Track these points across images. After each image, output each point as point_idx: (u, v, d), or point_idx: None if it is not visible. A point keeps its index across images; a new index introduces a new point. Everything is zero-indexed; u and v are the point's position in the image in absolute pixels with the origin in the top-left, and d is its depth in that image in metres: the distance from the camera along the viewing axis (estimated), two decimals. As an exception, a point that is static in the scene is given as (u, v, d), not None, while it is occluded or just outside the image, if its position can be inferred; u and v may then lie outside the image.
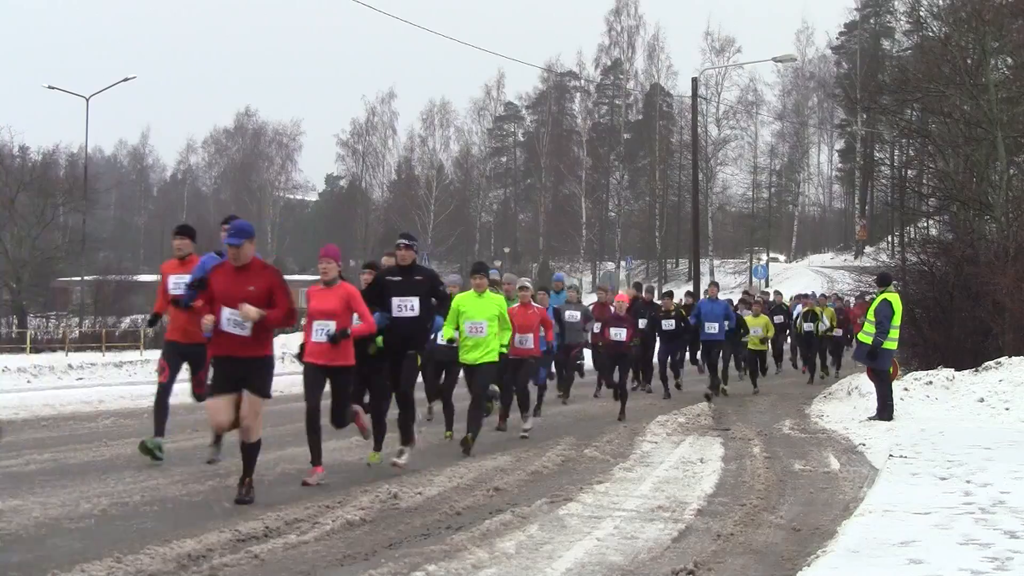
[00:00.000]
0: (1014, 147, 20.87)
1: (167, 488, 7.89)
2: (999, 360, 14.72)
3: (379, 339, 8.83)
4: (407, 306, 8.98)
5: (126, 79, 46.52)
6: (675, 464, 9.65)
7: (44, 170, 50.27)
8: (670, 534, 6.66)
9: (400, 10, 37.57)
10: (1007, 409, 13.29)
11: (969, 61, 21.11)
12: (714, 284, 18.96)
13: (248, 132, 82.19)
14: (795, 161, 76.50)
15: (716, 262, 68.52)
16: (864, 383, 15.67)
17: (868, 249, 64.50)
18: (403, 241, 9.24)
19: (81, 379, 19.56)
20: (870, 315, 13.84)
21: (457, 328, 10.30)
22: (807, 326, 21.11)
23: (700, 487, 8.39)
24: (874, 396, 13.88)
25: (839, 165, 78.41)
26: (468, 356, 10.28)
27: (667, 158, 72.59)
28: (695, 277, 33.14)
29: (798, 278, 61.53)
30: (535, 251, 74.99)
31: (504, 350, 10.47)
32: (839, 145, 77.88)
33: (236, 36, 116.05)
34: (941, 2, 23.95)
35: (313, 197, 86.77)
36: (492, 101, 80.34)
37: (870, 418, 13.34)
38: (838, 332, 22.19)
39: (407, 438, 9.04)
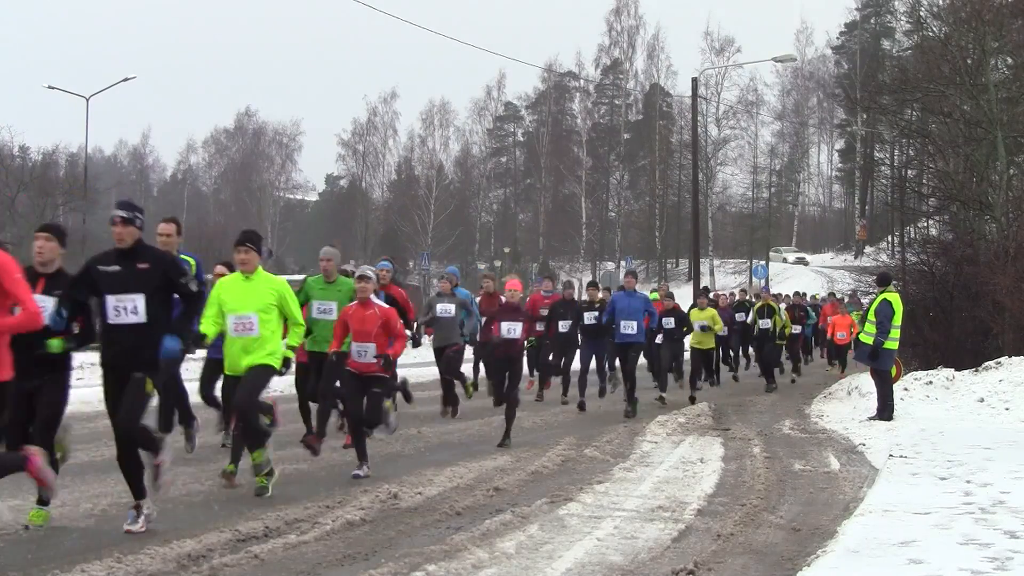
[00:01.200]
0: (1014, 147, 20.85)
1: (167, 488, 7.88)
2: (999, 360, 14.73)
3: (55, 341, 6.38)
4: (128, 307, 6.29)
5: (126, 79, 46.48)
6: (675, 464, 9.66)
7: (44, 170, 50.24)
8: (670, 534, 6.66)
9: (400, 10, 37.53)
10: (1007, 409, 13.29)
11: (969, 61, 21.09)
12: (631, 274, 15.22)
13: (248, 132, 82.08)
14: (795, 161, 76.46)
15: (716, 262, 68.50)
16: (864, 383, 15.68)
17: (868, 249, 64.38)
18: (120, 213, 6.42)
19: (81, 379, 19.41)
20: (871, 315, 13.85)
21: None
22: (762, 323, 19.08)
23: (700, 487, 8.39)
24: (874, 396, 13.89)
25: (839, 165, 78.36)
26: (239, 363, 7.63)
27: (667, 158, 72.53)
28: (695, 277, 33.13)
29: (798, 278, 61.51)
30: (535, 251, 74.94)
31: (290, 354, 7.79)
32: (839, 145, 77.83)
33: (236, 36, 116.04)
34: (941, 2, 23.93)
35: (313, 197, 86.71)
36: (492, 101, 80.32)
37: (870, 418, 13.34)
38: (796, 329, 21.08)
39: (138, 491, 6.46)
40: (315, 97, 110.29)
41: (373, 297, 8.59)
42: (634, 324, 13.66)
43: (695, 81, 33.31)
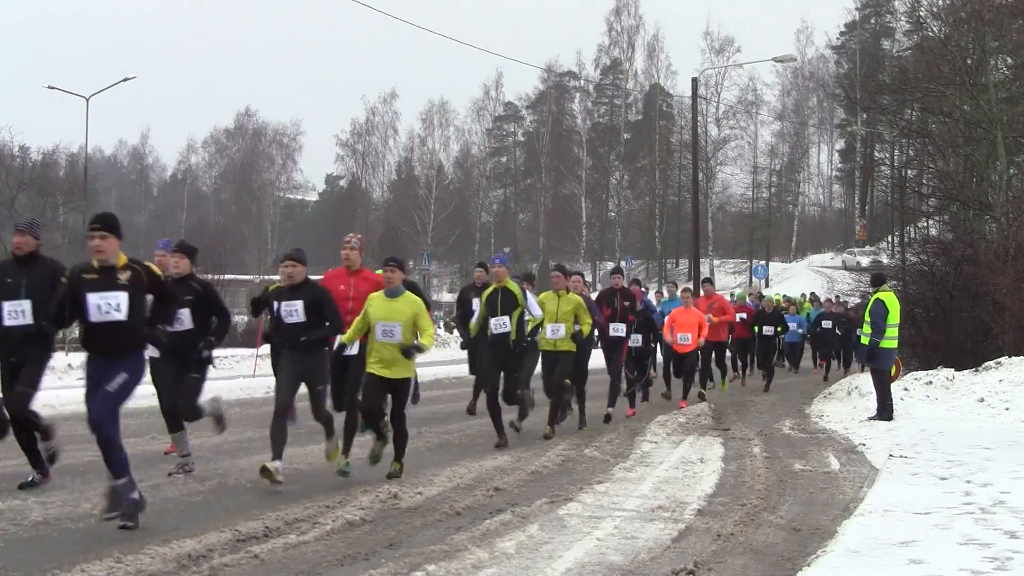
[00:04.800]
0: (1014, 147, 20.87)
1: (167, 488, 7.89)
2: (999, 360, 14.72)
3: None
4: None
5: (126, 79, 46.42)
6: (675, 464, 9.65)
7: (44, 170, 50.17)
8: (670, 534, 6.65)
9: (400, 10, 37.58)
10: (1007, 409, 13.29)
11: (969, 61, 21.12)
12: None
13: (248, 132, 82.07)
14: (795, 161, 76.48)
15: (716, 262, 68.52)
16: (864, 383, 15.67)
17: (868, 249, 64.44)
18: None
19: (81, 379, 19.50)
20: (866, 316, 13.84)
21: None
22: (496, 324, 10.78)
23: (700, 487, 8.38)
24: (874, 396, 13.88)
25: (839, 165, 78.41)
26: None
27: (667, 158, 72.57)
28: (695, 277, 33.11)
29: (798, 278, 61.49)
30: (535, 251, 74.97)
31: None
32: (839, 145, 77.88)
33: (236, 36, 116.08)
34: (941, 2, 23.96)
35: (313, 197, 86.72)
36: (491, 101, 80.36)
37: (870, 418, 13.34)
38: (617, 330, 13.25)
39: None
40: (315, 97, 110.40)
41: None
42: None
43: (695, 81, 33.29)
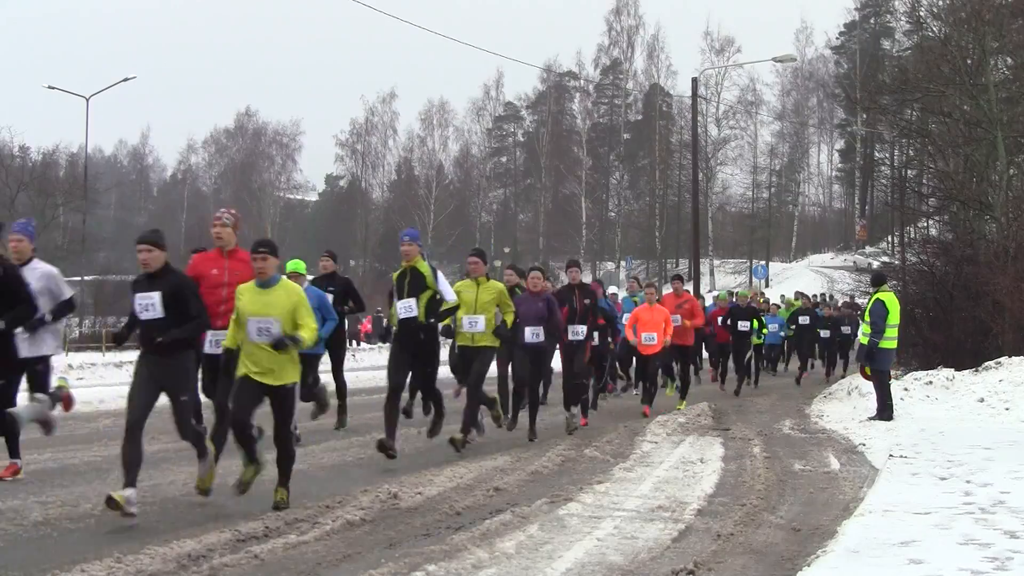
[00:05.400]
0: (1014, 147, 20.85)
1: (167, 488, 7.89)
2: (999, 360, 14.72)
3: None
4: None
5: (126, 79, 46.45)
6: (675, 464, 9.65)
7: (44, 170, 50.31)
8: (670, 534, 6.65)
9: (400, 10, 37.56)
10: (1007, 409, 13.29)
11: (969, 61, 21.11)
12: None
13: (248, 132, 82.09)
14: (795, 161, 76.53)
15: (716, 262, 68.53)
16: (864, 383, 15.67)
17: (868, 249, 64.40)
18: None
19: (81, 379, 19.48)
20: (866, 316, 13.86)
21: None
22: (402, 308, 9.73)
23: (700, 487, 8.38)
24: (874, 396, 13.88)
25: (839, 165, 78.46)
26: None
27: (667, 158, 72.61)
28: (695, 277, 33.12)
29: (798, 278, 61.50)
30: (535, 251, 74.97)
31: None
32: (839, 145, 77.94)
33: (236, 36, 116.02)
34: (941, 2, 23.93)
35: (313, 197, 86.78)
36: (491, 101, 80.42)
37: (870, 418, 13.34)
38: (578, 332, 12.05)
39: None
40: (315, 97, 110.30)
41: None
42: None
43: (695, 81, 33.31)
